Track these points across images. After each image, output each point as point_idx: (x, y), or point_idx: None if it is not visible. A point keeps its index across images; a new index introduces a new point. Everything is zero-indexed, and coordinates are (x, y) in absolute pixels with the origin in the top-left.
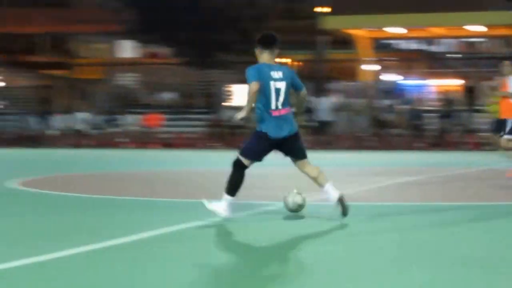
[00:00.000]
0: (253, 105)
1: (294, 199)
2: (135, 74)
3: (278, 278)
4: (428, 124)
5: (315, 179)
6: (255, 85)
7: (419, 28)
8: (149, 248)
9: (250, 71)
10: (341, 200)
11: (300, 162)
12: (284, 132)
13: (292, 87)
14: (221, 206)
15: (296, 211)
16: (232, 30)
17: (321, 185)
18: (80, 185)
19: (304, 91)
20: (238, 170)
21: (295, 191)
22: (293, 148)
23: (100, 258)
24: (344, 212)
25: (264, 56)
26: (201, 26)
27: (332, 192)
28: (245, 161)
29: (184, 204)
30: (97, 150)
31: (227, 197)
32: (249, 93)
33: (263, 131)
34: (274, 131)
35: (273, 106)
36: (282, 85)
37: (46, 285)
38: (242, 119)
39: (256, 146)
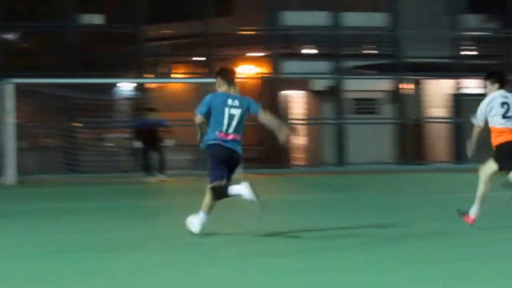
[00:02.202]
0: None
1: None
2: None
3: None
4: None
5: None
6: (199, 119)
7: None
8: None
9: (202, 102)
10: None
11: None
12: (229, 145)
13: (250, 113)
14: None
15: None
16: None
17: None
18: None
19: (261, 114)
20: (219, 191)
21: None
22: (230, 171)
23: None
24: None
25: (223, 88)
26: None
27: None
28: (215, 184)
29: None
30: None
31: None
32: (196, 124)
33: (208, 152)
34: (218, 142)
35: (223, 130)
36: (237, 113)
37: None
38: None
39: (213, 169)
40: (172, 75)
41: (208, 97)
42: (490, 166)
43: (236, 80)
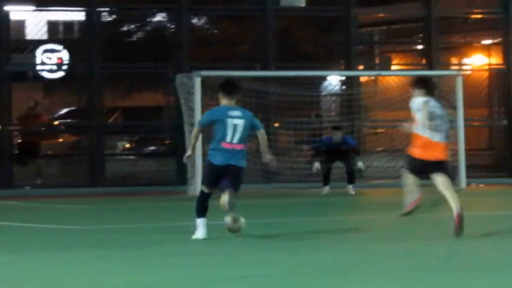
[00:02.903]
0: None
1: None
2: None
3: None
4: None
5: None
6: (197, 130)
7: None
8: None
9: (203, 116)
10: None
11: (228, 191)
12: (228, 161)
13: (252, 127)
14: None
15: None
16: None
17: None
18: None
19: (261, 131)
20: (201, 196)
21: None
22: (231, 176)
23: None
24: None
25: (223, 101)
26: None
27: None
28: (205, 188)
29: None
30: None
31: (196, 220)
32: (192, 135)
33: (208, 160)
34: (217, 160)
35: (228, 139)
36: (240, 122)
37: None
38: (188, 157)
39: (207, 175)
40: (387, 67)
41: (209, 111)
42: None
43: (237, 93)
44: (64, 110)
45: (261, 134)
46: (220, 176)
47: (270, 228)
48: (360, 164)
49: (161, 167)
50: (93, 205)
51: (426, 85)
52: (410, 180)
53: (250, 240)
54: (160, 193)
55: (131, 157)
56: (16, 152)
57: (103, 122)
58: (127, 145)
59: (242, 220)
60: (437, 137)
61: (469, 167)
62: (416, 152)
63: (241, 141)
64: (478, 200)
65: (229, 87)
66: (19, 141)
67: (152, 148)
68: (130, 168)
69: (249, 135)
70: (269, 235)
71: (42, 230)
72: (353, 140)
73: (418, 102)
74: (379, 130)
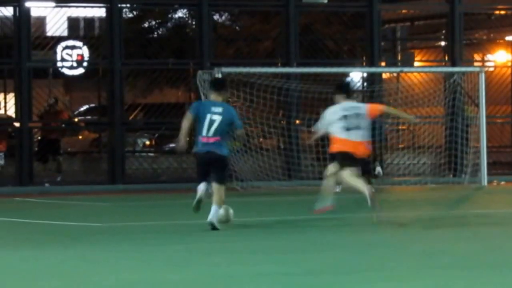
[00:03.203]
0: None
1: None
2: None
3: None
4: None
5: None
6: (187, 116)
7: None
8: None
9: (192, 104)
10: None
11: (214, 185)
12: (207, 148)
13: (230, 124)
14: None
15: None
16: None
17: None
18: None
19: (239, 130)
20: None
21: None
22: (213, 169)
23: None
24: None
25: (211, 96)
26: None
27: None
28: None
29: None
30: None
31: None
32: (183, 121)
33: (194, 151)
34: (198, 148)
35: (204, 133)
36: (217, 118)
37: None
38: (178, 146)
39: (197, 168)
40: (410, 64)
41: (195, 103)
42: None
43: (224, 91)
44: (84, 107)
45: (239, 131)
46: (206, 165)
47: (292, 227)
48: (378, 169)
49: (181, 164)
50: (113, 202)
51: (346, 89)
52: (331, 181)
53: (272, 238)
54: (180, 191)
55: (151, 154)
56: (36, 149)
57: (123, 119)
58: (147, 142)
59: (231, 211)
60: (352, 136)
61: (491, 165)
62: (336, 147)
63: (216, 134)
64: (498, 197)
65: (218, 84)
66: (39, 138)
67: (172, 145)
68: (150, 165)
69: (227, 130)
70: (291, 232)
71: (62, 227)
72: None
73: (331, 108)
74: (401, 127)
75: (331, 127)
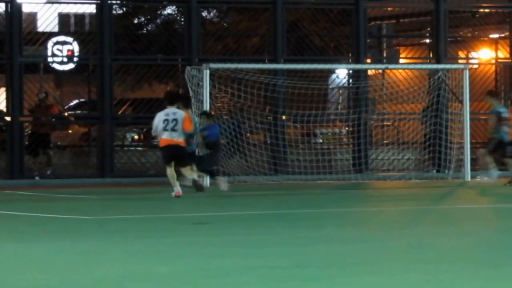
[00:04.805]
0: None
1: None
2: None
3: None
4: None
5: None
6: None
7: None
8: None
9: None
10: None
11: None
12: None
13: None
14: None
15: None
16: None
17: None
18: None
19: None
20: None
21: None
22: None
23: None
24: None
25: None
26: None
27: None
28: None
29: None
30: None
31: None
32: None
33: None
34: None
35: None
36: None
37: None
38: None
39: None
40: (395, 61)
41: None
42: None
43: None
44: (74, 102)
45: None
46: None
47: (281, 221)
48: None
49: None
50: (101, 195)
51: (176, 98)
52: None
53: (259, 232)
54: (168, 184)
55: (140, 148)
56: (27, 143)
57: (112, 114)
58: (136, 137)
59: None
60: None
61: (475, 160)
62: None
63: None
64: (481, 192)
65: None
66: (30, 132)
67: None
68: (138, 159)
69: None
70: (278, 226)
71: (51, 220)
72: None
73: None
74: (386, 123)
75: None
